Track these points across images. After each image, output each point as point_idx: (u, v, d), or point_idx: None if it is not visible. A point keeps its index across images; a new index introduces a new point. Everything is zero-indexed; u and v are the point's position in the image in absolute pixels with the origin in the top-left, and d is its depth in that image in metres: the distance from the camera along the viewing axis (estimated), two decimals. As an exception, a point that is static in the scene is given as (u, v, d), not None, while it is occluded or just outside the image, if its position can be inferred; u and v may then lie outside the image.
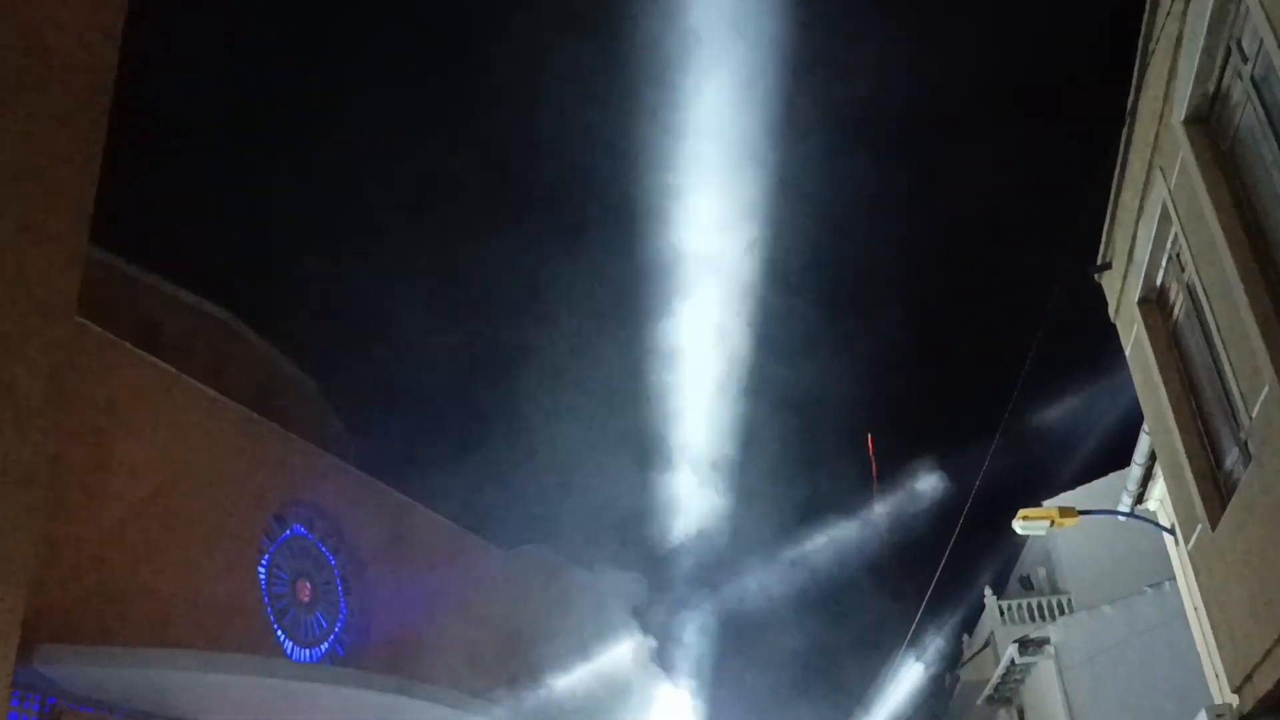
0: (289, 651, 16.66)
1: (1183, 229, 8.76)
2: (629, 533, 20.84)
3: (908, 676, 25.58)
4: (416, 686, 14.96)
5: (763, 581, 24.86)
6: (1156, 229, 9.44)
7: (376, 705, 14.60)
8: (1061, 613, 21.16)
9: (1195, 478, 9.74)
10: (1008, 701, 22.20)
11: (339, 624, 17.90)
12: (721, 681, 20.87)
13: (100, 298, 15.16)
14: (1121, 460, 16.28)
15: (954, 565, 23.61)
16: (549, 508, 19.61)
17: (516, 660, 20.45)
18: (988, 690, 22.38)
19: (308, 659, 16.88)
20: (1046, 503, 17.48)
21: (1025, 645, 19.69)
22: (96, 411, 14.05)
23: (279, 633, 16.57)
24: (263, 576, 16.53)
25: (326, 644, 17.54)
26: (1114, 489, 16.06)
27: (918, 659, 25.02)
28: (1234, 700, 11.13)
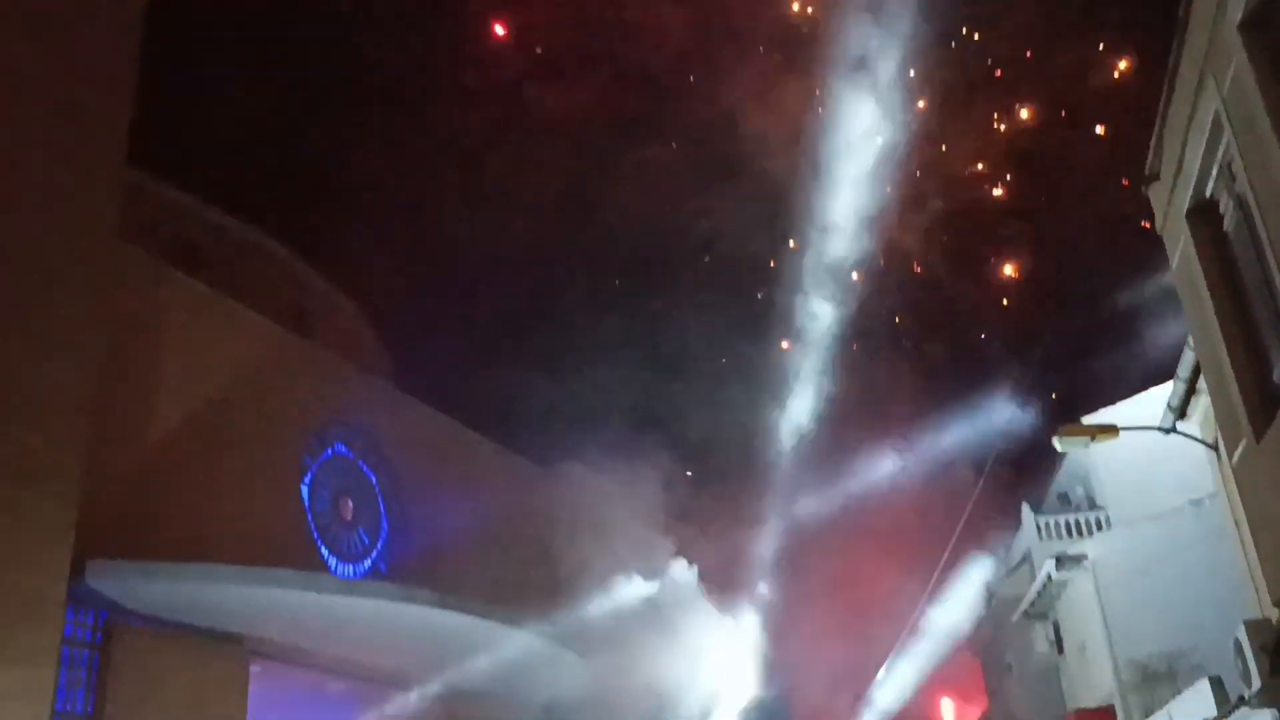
0: (332, 567, 16.98)
1: (1235, 137, 8.52)
2: (668, 449, 20.85)
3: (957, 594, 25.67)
4: (456, 600, 15.20)
5: (809, 506, 24.90)
6: (1207, 138, 9.18)
7: (417, 618, 14.88)
8: (1099, 529, 21.10)
9: (1241, 391, 9.61)
10: (1043, 617, 22.28)
11: (381, 541, 18.20)
12: (768, 604, 21.00)
13: (137, 219, 15.23)
14: (1163, 377, 16.07)
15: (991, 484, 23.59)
16: (589, 426, 19.67)
17: (555, 577, 20.72)
18: (1023, 606, 22.45)
19: (351, 575, 17.20)
20: (1086, 419, 17.32)
21: (1062, 561, 19.67)
22: (138, 332, 14.19)
23: (322, 549, 16.88)
24: (305, 494, 16.79)
25: (369, 560, 17.86)
26: (1155, 405, 15.90)
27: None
28: (1274, 614, 11.11)
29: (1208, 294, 10.07)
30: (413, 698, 16.51)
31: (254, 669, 14.64)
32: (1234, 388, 9.81)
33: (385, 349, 23.13)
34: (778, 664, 20.00)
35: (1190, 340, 11.82)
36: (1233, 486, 12.14)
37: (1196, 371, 12.26)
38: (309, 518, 16.77)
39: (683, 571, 19.24)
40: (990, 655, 28.66)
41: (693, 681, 18.45)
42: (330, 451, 17.55)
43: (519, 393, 19.37)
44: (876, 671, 26.33)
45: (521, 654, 16.33)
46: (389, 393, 19.39)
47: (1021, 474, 25.35)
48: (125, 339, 13.80)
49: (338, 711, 16.79)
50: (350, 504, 17.79)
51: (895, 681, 25.02)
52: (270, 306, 17.23)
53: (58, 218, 12.60)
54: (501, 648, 16.01)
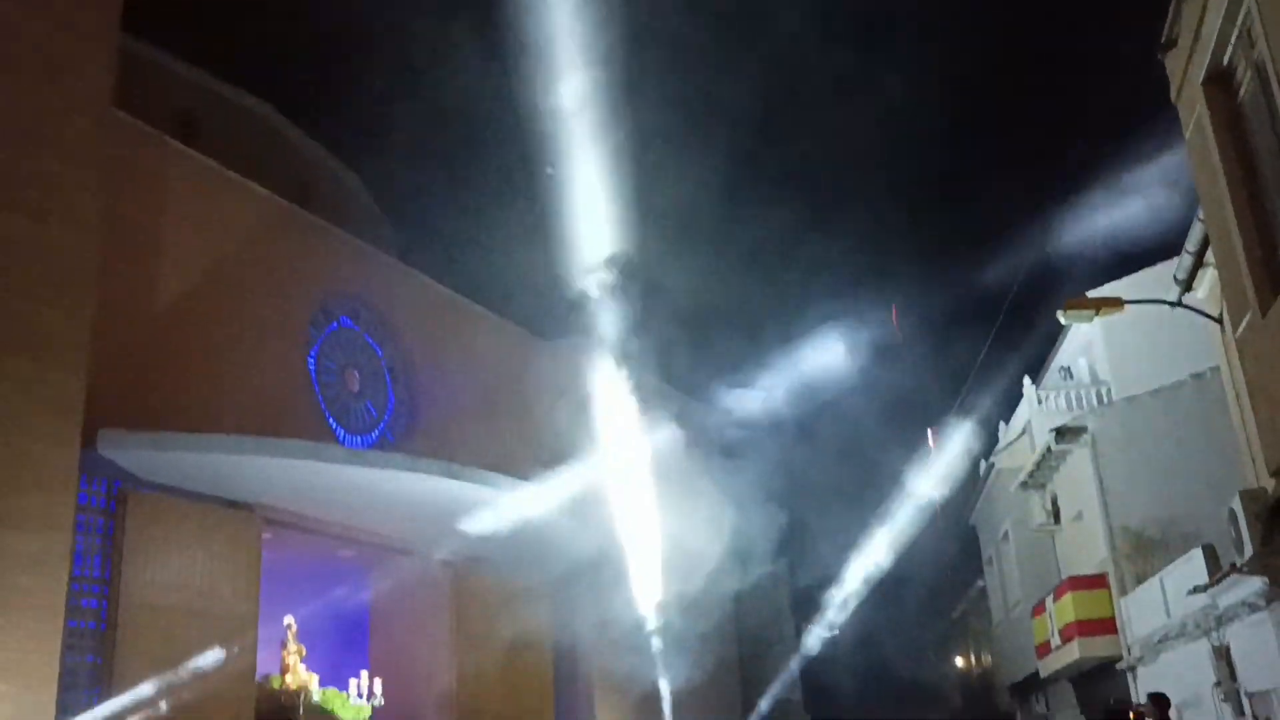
0: (341, 438, 17.19)
1: (1256, 1, 8.32)
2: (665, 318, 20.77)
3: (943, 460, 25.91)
4: (463, 469, 15.42)
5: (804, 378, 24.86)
6: (1228, 2, 8.96)
7: (424, 487, 15.12)
8: (1100, 403, 21.29)
9: (1249, 263, 9.58)
10: (1041, 487, 22.63)
11: (388, 412, 18.39)
12: (757, 469, 21.15)
13: (136, 89, 14.98)
14: (1170, 251, 16.00)
15: (994, 356, 23.65)
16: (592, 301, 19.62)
17: (559, 447, 20.98)
18: (1021, 477, 22.80)
19: (359, 445, 17.42)
20: (1092, 293, 17.30)
21: (1061, 433, 19.90)
22: (140, 204, 14.12)
23: (330, 420, 17.07)
24: (312, 366, 16.91)
25: (376, 431, 18.07)
26: (1161, 280, 15.86)
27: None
28: (1270, 484, 11.28)
29: (1220, 164, 9.96)
30: (421, 565, 16.90)
31: (265, 536, 14.96)
32: (1242, 260, 9.78)
33: (389, 222, 22.99)
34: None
35: (1200, 212, 11.73)
36: (1235, 359, 12.21)
37: (1204, 245, 12.20)
38: (316, 390, 16.92)
39: (675, 437, 19.37)
40: (987, 525, 29.23)
41: (697, 545, 18.77)
42: (335, 324, 17.61)
43: (525, 268, 19.27)
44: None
45: (527, 521, 16.64)
46: (393, 265, 19.36)
47: (1023, 348, 25.40)
48: (127, 210, 13.74)
49: (347, 577, 17.23)
50: (357, 376, 17.93)
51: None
52: (272, 179, 17.07)
53: (56, 87, 12.45)
54: (508, 515, 16.29)
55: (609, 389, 19.50)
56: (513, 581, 17.02)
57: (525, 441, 19.34)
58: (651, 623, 17.98)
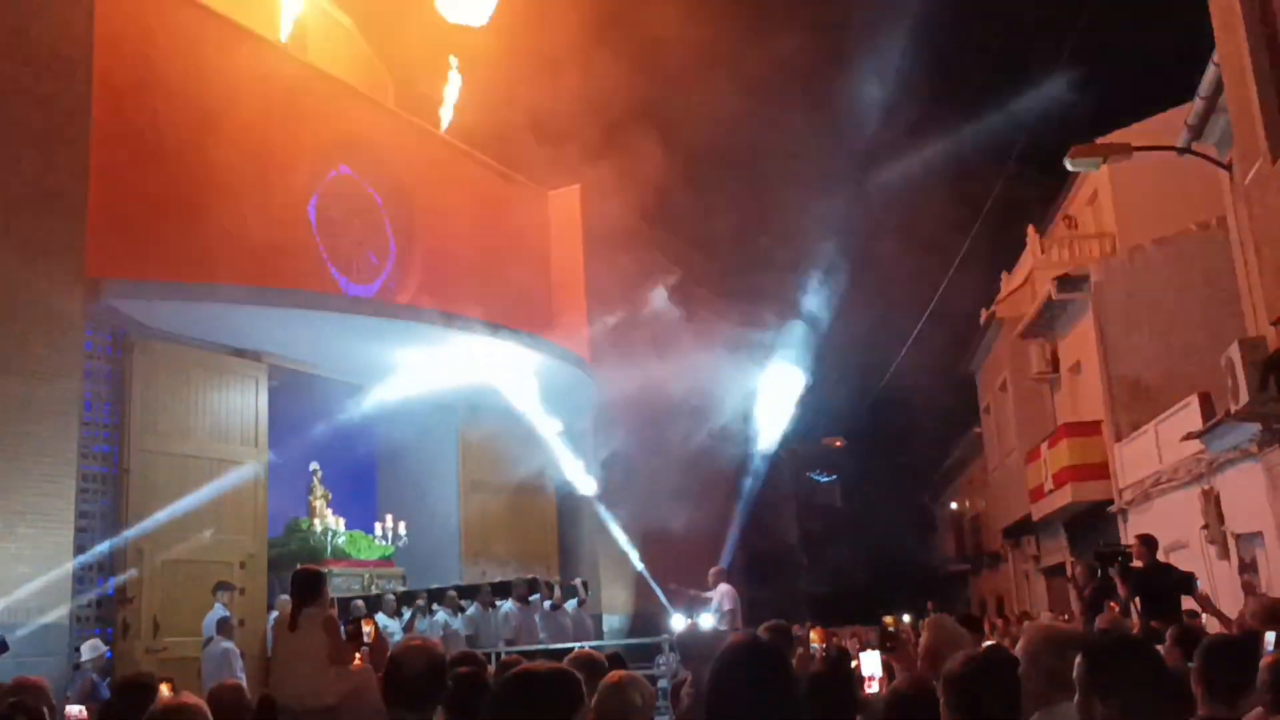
0: (344, 288, 17.19)
1: None
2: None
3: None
4: (464, 320, 15.48)
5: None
6: None
7: (426, 336, 15.20)
8: (1104, 252, 21.22)
9: (1262, 109, 9.42)
10: (1040, 337, 22.76)
11: (389, 262, 18.33)
12: (761, 313, 21.11)
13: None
14: (1180, 98, 15.70)
15: (1000, 205, 23.40)
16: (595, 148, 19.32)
17: (560, 300, 21.03)
18: (1022, 326, 22.90)
19: (362, 296, 17.43)
20: (1100, 140, 17.04)
21: (1064, 283, 19.90)
22: (133, 51, 13.78)
23: (333, 269, 17.04)
24: (312, 216, 16.78)
25: (379, 281, 18.06)
26: (1171, 126, 15.62)
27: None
28: (1269, 334, 11.34)
29: (1239, 6, 9.70)
30: (426, 413, 17.10)
31: (272, 384, 15.11)
32: (1256, 106, 9.62)
33: (386, 70, 22.47)
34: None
35: (1215, 56, 11.47)
36: (1242, 208, 12.13)
37: (1217, 90, 11.97)
38: (317, 239, 16.84)
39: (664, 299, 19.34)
40: (986, 374, 29.50)
41: (699, 390, 18.92)
42: (334, 173, 17.40)
43: (521, 112, 18.91)
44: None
45: (533, 374, 16.77)
46: (391, 114, 19.02)
47: (1029, 195, 25.17)
48: (120, 58, 13.42)
49: (355, 425, 17.43)
50: (358, 226, 17.82)
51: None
52: (268, 25, 16.63)
53: None
54: (511, 367, 16.42)
55: (609, 237, 19.39)
56: (517, 428, 17.23)
57: (527, 291, 19.37)
58: (653, 467, 18.28)
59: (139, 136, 13.74)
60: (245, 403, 14.71)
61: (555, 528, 20.28)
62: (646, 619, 18.56)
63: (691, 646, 6.53)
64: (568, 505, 20.06)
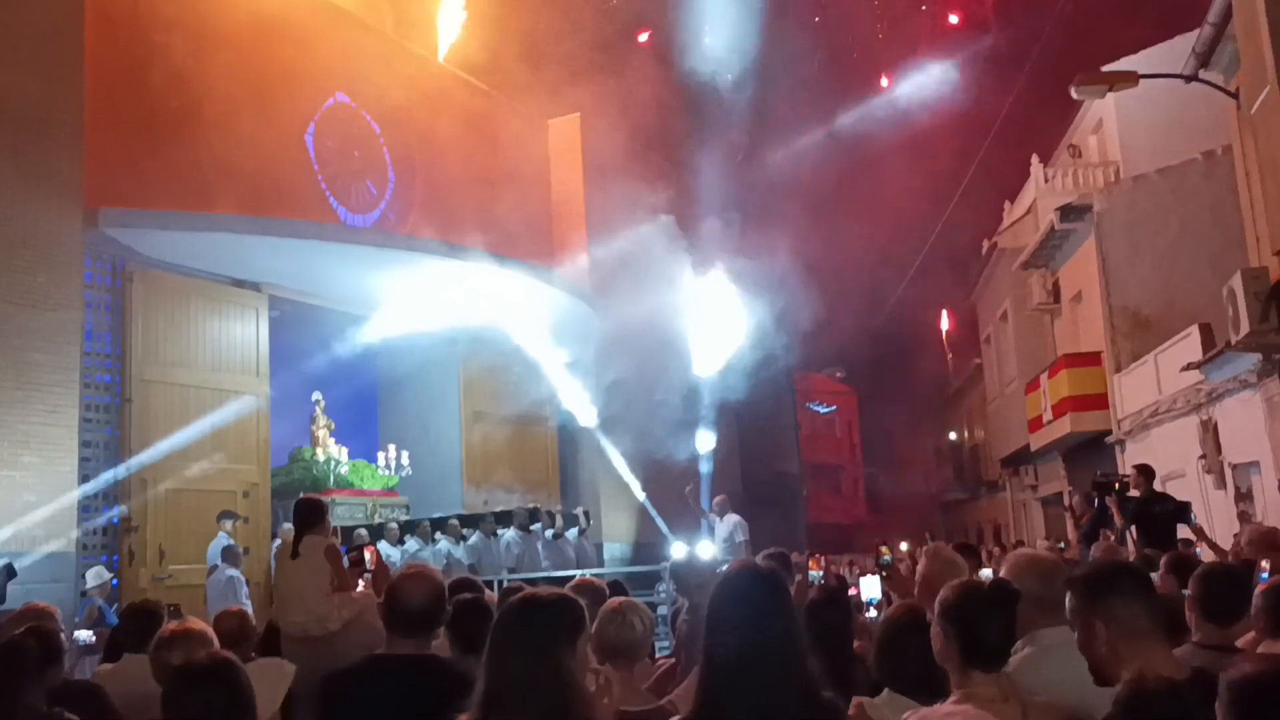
0: (343, 218, 17.09)
1: None
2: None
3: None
4: (465, 250, 15.41)
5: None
6: None
7: (427, 266, 15.16)
8: (1108, 182, 21.05)
9: (1271, 35, 9.29)
10: (1042, 267, 22.68)
11: (388, 192, 18.20)
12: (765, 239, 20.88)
13: None
14: (1188, 25, 15.45)
15: (1005, 132, 23.19)
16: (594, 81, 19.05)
17: (560, 229, 20.93)
18: (1024, 256, 22.81)
19: (361, 226, 17.34)
20: (1106, 68, 16.81)
21: (1067, 212, 19.77)
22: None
23: (332, 200, 16.93)
24: (310, 145, 16.63)
25: (377, 211, 17.94)
26: (1177, 54, 15.40)
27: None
28: (1272, 264, 11.31)
29: (1251, -72, 9.52)
30: (427, 344, 17.11)
31: (272, 315, 15.10)
32: (1264, 32, 9.48)
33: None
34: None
35: (1225, -19, 11.29)
36: (1248, 137, 12.01)
37: (1225, 17, 11.80)
38: (315, 168, 16.70)
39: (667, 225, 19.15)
40: (986, 304, 29.46)
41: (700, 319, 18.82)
42: (331, 101, 17.20)
43: (522, 42, 18.63)
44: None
45: (534, 304, 16.74)
46: (389, 41, 18.75)
47: (1032, 126, 24.92)
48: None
49: (356, 357, 17.44)
50: (356, 155, 17.65)
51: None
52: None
53: None
54: (512, 297, 16.39)
55: (610, 165, 19.17)
56: (519, 359, 17.26)
57: (528, 220, 19.22)
58: (652, 399, 18.28)
59: (135, 65, 13.57)
60: (246, 333, 14.72)
61: (556, 458, 20.40)
62: (648, 548, 18.73)
63: (686, 576, 6.58)
64: (569, 436, 20.16)
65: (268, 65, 15.37)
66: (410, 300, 15.41)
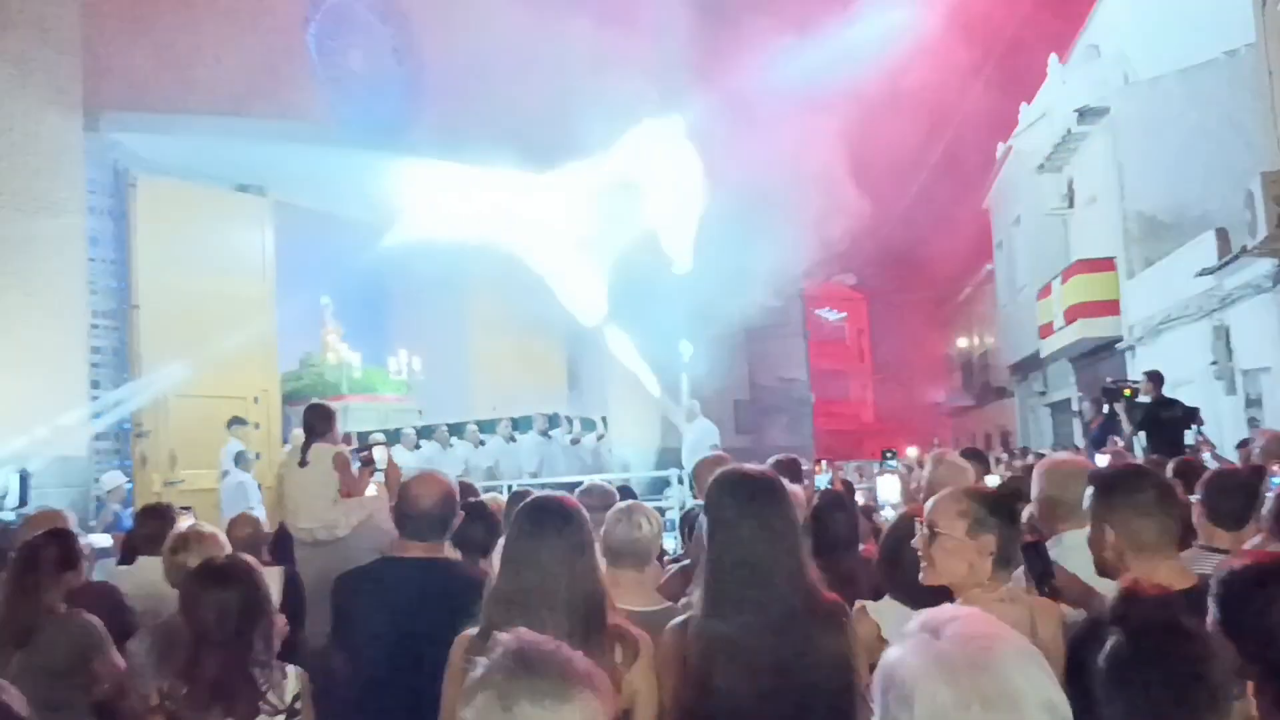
0: (347, 119, 16.80)
1: None
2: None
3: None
4: (471, 154, 15.20)
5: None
6: None
7: (431, 172, 14.99)
8: (1126, 83, 20.62)
9: (1301, -72, 8.99)
10: (1058, 170, 22.40)
11: (397, 91, 17.84)
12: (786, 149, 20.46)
13: None
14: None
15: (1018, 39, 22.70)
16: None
17: (568, 130, 20.53)
18: (1039, 159, 22.51)
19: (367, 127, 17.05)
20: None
21: (1083, 114, 19.45)
22: None
23: (335, 100, 16.61)
24: (312, 45, 16.29)
25: (385, 111, 17.59)
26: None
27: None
28: (1291, 166, 11.11)
29: None
30: (432, 249, 16.97)
31: (277, 220, 14.99)
32: (1293, -76, 9.17)
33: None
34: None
35: None
36: (1273, 34, 11.72)
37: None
38: (317, 68, 16.38)
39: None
40: (1000, 209, 29.18)
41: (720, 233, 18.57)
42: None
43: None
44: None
45: (539, 209, 16.56)
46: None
47: (1049, 26, 24.35)
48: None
49: (363, 263, 17.34)
50: (360, 56, 17.29)
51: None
52: None
53: None
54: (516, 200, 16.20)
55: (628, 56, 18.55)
56: (523, 265, 17.13)
57: (542, 122, 18.83)
58: (667, 311, 18.12)
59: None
60: (251, 239, 14.64)
61: (565, 363, 20.37)
62: (672, 453, 18.81)
63: (704, 476, 6.64)
64: (578, 341, 20.07)
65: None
66: (421, 207, 15.24)
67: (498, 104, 17.02)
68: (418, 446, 14.76)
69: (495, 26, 18.58)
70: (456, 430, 15.26)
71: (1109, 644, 1.93)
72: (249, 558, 3.40)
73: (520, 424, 15.59)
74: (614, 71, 17.34)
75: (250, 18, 14.35)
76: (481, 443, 15.04)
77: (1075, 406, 21.95)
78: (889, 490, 5.01)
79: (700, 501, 6.55)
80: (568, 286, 17.74)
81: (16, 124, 11.38)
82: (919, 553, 3.07)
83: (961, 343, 38.83)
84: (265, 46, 14.55)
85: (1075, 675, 2.08)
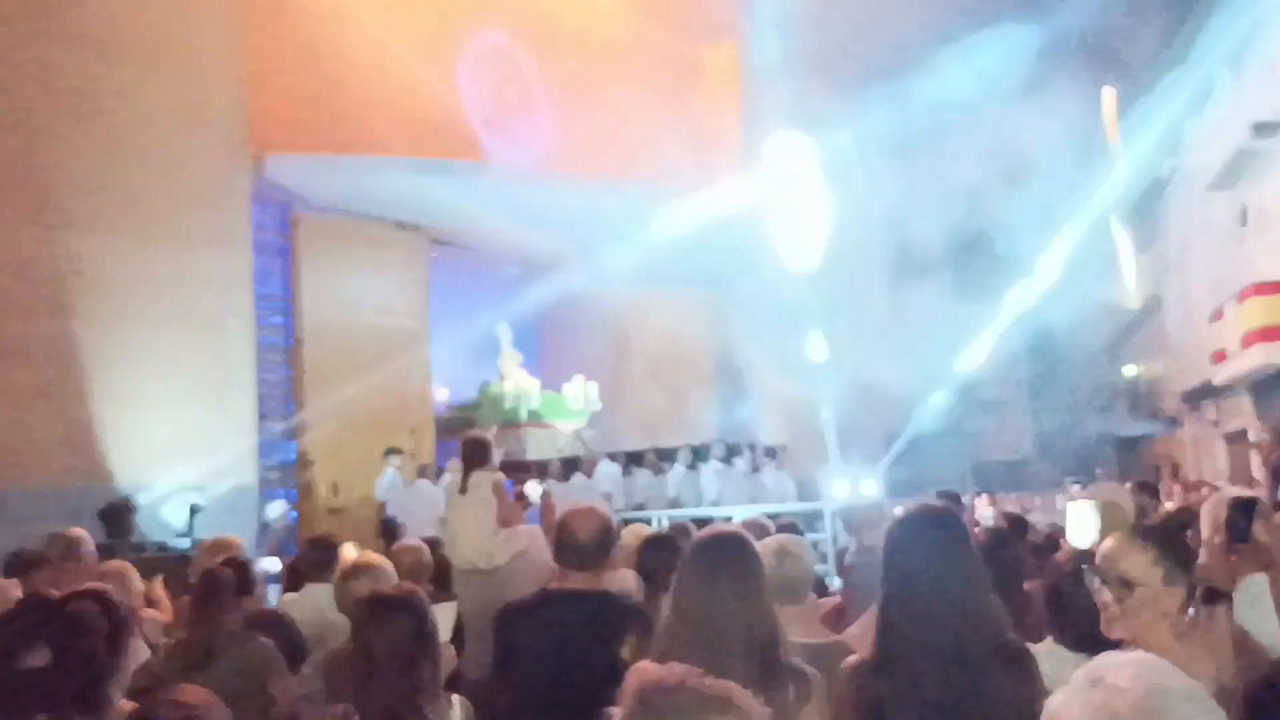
0: (499, 158, 17.13)
1: None
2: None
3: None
4: (631, 186, 15.22)
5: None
6: None
7: (589, 204, 15.11)
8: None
9: None
10: (1229, 189, 21.35)
11: (547, 129, 18.12)
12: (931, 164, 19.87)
13: None
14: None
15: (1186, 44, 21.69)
16: None
17: (727, 152, 20.46)
18: (1209, 177, 21.51)
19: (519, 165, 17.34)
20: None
21: (1260, 128, 18.49)
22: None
23: (487, 140, 16.98)
24: (463, 84, 16.67)
25: (535, 149, 17.89)
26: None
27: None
28: None
29: None
30: (582, 281, 17.10)
31: (432, 255, 15.36)
32: None
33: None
34: None
35: None
36: None
37: None
38: (469, 107, 16.76)
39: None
40: (1166, 230, 27.97)
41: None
42: (484, 38, 17.16)
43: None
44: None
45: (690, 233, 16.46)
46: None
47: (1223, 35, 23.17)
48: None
49: (513, 295, 17.60)
50: (511, 94, 17.62)
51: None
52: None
53: None
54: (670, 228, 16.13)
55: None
56: (673, 293, 17.12)
57: (691, 149, 18.76)
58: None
59: (293, 10, 13.78)
60: (408, 274, 15.05)
61: (714, 395, 20.22)
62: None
63: (852, 517, 6.70)
64: (725, 374, 19.93)
65: (424, 4, 15.41)
66: (568, 237, 15.35)
67: (651, 131, 16.96)
68: (566, 478, 14.77)
69: (647, 58, 18.64)
70: (636, 458, 15.19)
71: None
72: (418, 588, 3.42)
73: (700, 452, 15.42)
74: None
75: (408, 60, 14.77)
76: (661, 470, 14.92)
77: (1252, 437, 20.75)
78: (1083, 532, 4.62)
79: (849, 538, 6.46)
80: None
81: (189, 165, 11.89)
82: (1099, 602, 2.85)
83: (1127, 370, 37.26)
84: (422, 88, 14.95)
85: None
